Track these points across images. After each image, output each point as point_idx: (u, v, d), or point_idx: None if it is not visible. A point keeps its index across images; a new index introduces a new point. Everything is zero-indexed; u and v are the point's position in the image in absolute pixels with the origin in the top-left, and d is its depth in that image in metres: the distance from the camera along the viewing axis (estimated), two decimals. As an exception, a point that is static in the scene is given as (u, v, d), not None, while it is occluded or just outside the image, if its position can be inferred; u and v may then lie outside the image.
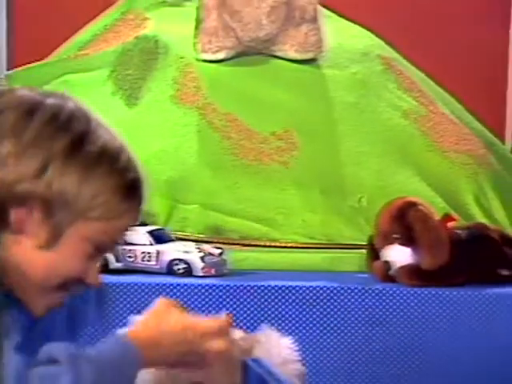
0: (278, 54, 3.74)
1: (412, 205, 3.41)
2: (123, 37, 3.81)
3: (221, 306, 3.38)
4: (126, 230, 2.73)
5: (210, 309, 3.29)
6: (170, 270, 3.43)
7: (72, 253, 2.64)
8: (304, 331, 3.18)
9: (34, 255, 2.64)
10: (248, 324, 3.22)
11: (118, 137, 2.64)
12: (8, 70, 4.64)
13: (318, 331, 3.31)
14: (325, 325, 3.34)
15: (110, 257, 3.49)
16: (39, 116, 2.56)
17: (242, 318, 3.26)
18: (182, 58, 3.74)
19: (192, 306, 3.29)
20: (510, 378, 3.42)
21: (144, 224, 3.43)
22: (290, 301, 3.36)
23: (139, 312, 2.88)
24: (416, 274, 3.39)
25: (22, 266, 2.66)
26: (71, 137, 2.57)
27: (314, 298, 3.38)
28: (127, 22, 3.86)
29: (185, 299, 3.32)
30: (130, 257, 3.47)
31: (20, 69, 4.08)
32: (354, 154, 3.68)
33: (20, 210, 2.55)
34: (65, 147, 2.56)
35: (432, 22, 5.21)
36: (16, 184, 2.57)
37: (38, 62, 3.98)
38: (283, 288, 3.40)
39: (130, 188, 2.59)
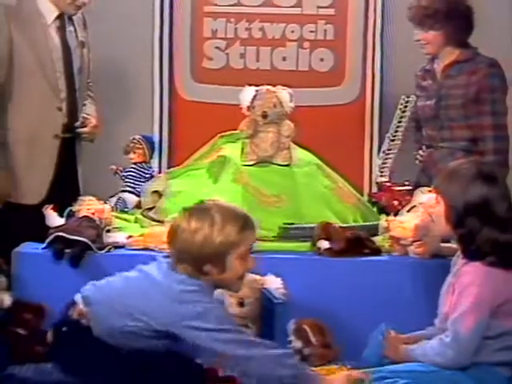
0: (274, 162, 3.68)
1: (330, 224, 3.44)
2: (212, 157, 3.76)
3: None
4: (253, 243, 2.82)
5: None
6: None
7: (236, 264, 2.75)
8: (286, 274, 3.18)
9: (224, 275, 2.73)
10: (262, 272, 3.17)
11: (228, 207, 2.81)
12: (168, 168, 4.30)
13: (293, 276, 3.22)
14: (295, 273, 3.26)
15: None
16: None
17: (260, 269, 3.11)
18: (235, 164, 3.69)
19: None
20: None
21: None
22: (280, 263, 3.30)
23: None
24: (331, 252, 3.36)
25: (222, 283, 2.79)
26: (207, 224, 2.72)
27: (291, 262, 3.35)
28: (214, 151, 3.78)
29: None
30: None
31: (172, 169, 3.99)
32: (306, 204, 3.60)
33: (208, 265, 2.71)
34: (208, 230, 2.72)
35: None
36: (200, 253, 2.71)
37: (179, 166, 3.90)
38: (278, 258, 3.35)
39: (243, 226, 2.73)
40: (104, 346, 2.69)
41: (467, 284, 2.79)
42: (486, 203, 2.83)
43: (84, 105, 3.99)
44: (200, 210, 2.78)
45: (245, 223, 2.77)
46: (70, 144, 3.91)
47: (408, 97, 3.94)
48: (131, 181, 3.89)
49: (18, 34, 3.77)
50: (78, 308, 2.77)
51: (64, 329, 2.77)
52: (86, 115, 3.95)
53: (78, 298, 2.80)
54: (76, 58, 3.92)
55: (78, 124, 3.90)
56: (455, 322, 2.78)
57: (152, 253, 3.22)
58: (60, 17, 3.87)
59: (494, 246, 2.82)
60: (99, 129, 3.97)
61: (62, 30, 3.87)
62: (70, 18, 3.93)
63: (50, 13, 3.85)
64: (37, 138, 3.81)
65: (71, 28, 3.92)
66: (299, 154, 3.79)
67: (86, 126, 3.91)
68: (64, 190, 3.78)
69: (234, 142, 3.80)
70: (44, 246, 3.35)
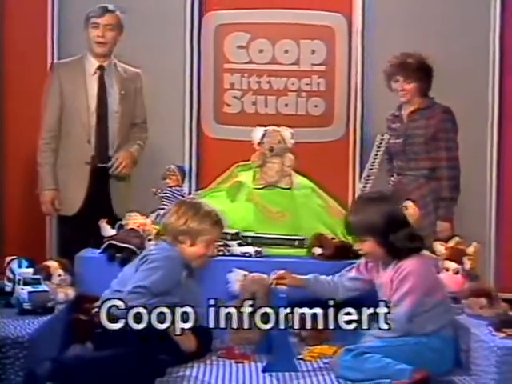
0: (279, 186, 3.64)
1: (322, 234, 3.43)
2: (230, 182, 3.69)
3: (260, 266, 3.21)
4: (218, 236, 3.07)
5: (258, 268, 3.20)
6: (243, 255, 3.34)
7: (201, 245, 2.98)
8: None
9: (192, 249, 3.00)
10: (269, 272, 3.12)
11: (210, 209, 3.04)
12: (196, 190, 4.19)
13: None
14: (295, 273, 3.10)
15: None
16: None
17: (268, 270, 3.14)
18: (248, 187, 3.66)
19: (250, 267, 3.21)
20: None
21: (235, 240, 3.41)
22: (284, 265, 3.18)
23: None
24: (323, 257, 3.35)
25: (189, 254, 3.00)
26: (192, 212, 3.00)
27: (292, 264, 3.24)
28: (231, 177, 3.71)
29: (248, 264, 3.24)
30: (229, 251, 3.36)
31: (199, 191, 3.92)
32: (304, 218, 3.55)
33: (183, 236, 2.99)
34: (192, 216, 2.99)
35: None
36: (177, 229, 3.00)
37: (205, 189, 3.82)
38: (282, 261, 3.28)
39: (214, 223, 3.00)
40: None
41: (406, 274, 2.91)
42: (393, 214, 2.97)
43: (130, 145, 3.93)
44: (190, 203, 3.14)
45: (217, 221, 3.06)
46: (103, 172, 3.85)
47: (382, 135, 3.97)
48: (167, 200, 3.83)
49: (65, 85, 3.79)
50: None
51: (98, 330, 2.78)
52: (116, 158, 3.85)
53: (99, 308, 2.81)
54: (113, 103, 3.82)
55: (109, 165, 3.85)
56: (397, 301, 2.89)
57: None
58: (100, 68, 3.85)
59: (413, 240, 2.97)
60: (128, 168, 3.86)
61: (101, 79, 3.82)
62: (117, 69, 3.88)
63: (92, 65, 3.85)
64: (71, 165, 3.81)
65: (112, 79, 3.85)
66: (298, 179, 3.79)
67: (117, 166, 3.84)
68: (97, 206, 3.78)
69: (247, 171, 3.80)
70: (100, 251, 3.39)
